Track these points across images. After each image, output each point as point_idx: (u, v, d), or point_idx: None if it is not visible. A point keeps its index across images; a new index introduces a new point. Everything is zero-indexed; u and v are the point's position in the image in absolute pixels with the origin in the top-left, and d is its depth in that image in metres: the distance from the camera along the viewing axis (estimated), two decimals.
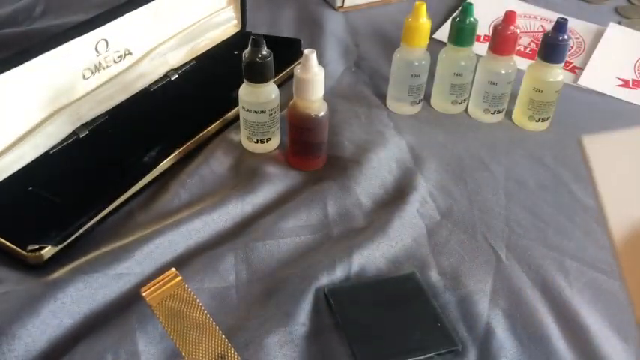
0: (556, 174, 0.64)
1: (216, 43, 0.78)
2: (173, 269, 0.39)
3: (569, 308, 0.49)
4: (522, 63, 0.75)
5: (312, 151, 0.61)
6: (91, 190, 0.57)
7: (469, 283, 0.51)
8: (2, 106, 0.55)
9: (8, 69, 0.54)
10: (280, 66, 0.69)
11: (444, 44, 0.71)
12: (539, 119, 0.69)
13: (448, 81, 0.70)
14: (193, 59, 0.75)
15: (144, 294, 0.38)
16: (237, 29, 0.81)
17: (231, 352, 0.39)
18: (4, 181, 0.56)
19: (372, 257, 0.52)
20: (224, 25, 0.80)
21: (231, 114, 0.68)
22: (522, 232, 0.56)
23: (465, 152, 0.66)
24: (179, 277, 0.39)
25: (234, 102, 0.64)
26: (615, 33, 0.88)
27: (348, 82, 0.77)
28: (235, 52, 0.75)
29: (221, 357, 0.39)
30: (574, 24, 0.89)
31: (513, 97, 0.71)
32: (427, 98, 0.73)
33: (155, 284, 0.39)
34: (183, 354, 0.38)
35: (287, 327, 0.46)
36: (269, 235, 0.54)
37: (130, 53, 0.68)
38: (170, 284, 0.39)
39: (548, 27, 0.74)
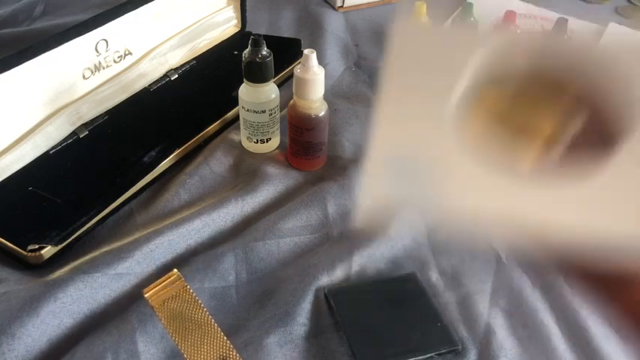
0: None
1: (216, 43, 0.78)
2: (175, 270, 0.39)
3: (569, 308, 0.49)
4: None
5: (312, 151, 0.61)
6: (91, 190, 0.57)
7: (469, 283, 0.51)
8: (2, 106, 0.55)
9: (8, 69, 0.54)
10: (280, 66, 0.69)
11: None
12: None
13: None
14: (193, 59, 0.75)
15: (146, 295, 0.38)
16: (237, 29, 0.81)
17: (233, 354, 0.39)
18: (4, 181, 0.56)
19: (372, 257, 0.52)
20: (224, 25, 0.80)
21: (231, 114, 0.68)
22: None
23: None
24: (181, 279, 0.39)
25: (234, 102, 0.64)
26: (615, 33, 0.87)
27: (348, 82, 0.77)
28: (235, 52, 0.75)
29: (223, 359, 0.39)
30: (574, 24, 0.89)
31: None
32: None
33: (157, 285, 0.39)
34: (185, 356, 0.38)
35: (287, 327, 0.46)
36: (269, 235, 0.54)
37: (130, 53, 0.68)
38: (172, 286, 0.39)
39: (548, 27, 0.74)
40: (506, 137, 0.18)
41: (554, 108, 0.18)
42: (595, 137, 0.17)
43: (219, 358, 0.39)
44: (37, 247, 0.50)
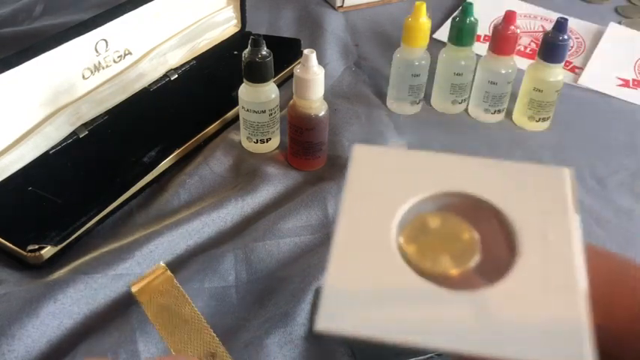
0: None
1: (216, 43, 0.78)
2: (162, 264, 0.39)
3: None
4: (522, 63, 0.75)
5: (312, 151, 0.61)
6: (91, 190, 0.57)
7: None
8: (2, 106, 0.55)
9: (8, 69, 0.54)
10: (280, 66, 0.69)
11: (444, 44, 0.71)
12: (540, 119, 0.69)
13: (448, 81, 0.70)
14: (193, 59, 0.75)
15: (133, 289, 0.38)
16: (237, 29, 0.81)
17: (221, 350, 0.39)
18: (4, 181, 0.56)
19: None
20: (224, 25, 0.80)
21: (231, 114, 0.68)
22: None
23: (465, 152, 0.66)
24: (168, 273, 0.39)
25: (234, 102, 0.64)
26: (615, 33, 0.87)
27: (348, 82, 0.77)
28: (235, 52, 0.75)
29: (211, 355, 0.39)
30: (574, 24, 0.89)
31: (513, 97, 0.71)
32: (427, 98, 0.73)
33: (143, 279, 0.38)
34: (173, 352, 0.38)
35: (287, 327, 0.46)
36: (269, 235, 0.54)
37: (130, 53, 0.68)
38: (159, 280, 0.39)
39: (548, 27, 0.74)
40: (435, 252, 0.19)
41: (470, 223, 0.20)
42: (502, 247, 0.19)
43: (208, 354, 0.39)
44: (36, 247, 0.50)
